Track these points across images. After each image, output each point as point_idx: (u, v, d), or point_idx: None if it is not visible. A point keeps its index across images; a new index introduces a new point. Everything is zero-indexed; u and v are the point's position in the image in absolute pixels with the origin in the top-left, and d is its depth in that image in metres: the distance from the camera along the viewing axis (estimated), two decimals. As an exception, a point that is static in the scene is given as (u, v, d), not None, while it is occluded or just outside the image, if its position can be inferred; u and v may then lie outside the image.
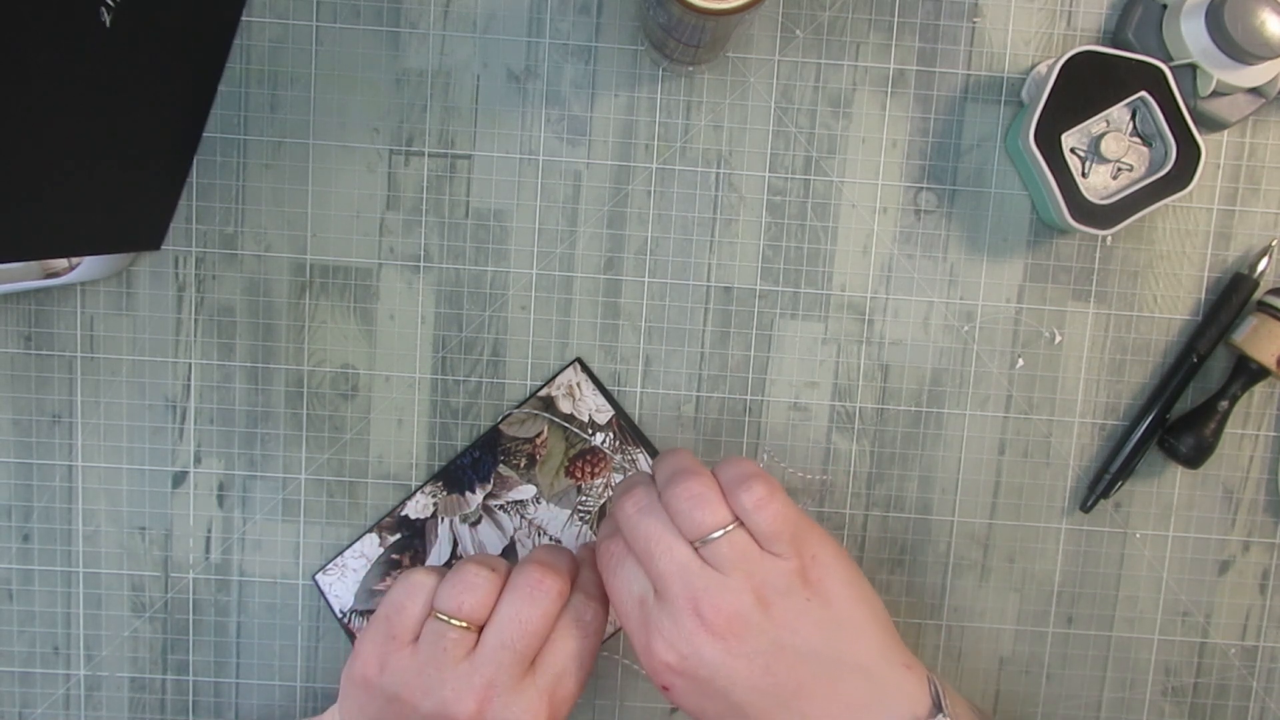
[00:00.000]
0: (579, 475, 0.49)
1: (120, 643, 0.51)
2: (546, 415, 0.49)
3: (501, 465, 0.49)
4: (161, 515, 0.50)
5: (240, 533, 0.51)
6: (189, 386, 0.50)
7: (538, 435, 0.49)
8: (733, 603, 0.39)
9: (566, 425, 0.49)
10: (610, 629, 0.50)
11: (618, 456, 0.49)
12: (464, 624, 0.41)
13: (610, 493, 0.49)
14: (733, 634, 0.38)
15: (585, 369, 0.49)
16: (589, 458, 0.49)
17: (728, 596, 0.39)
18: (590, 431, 0.49)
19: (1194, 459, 0.49)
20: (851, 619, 0.40)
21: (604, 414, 0.49)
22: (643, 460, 0.49)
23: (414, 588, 0.43)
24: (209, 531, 0.51)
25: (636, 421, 0.50)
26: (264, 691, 0.51)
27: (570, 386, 0.49)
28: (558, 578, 0.42)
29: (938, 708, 0.39)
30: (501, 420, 0.49)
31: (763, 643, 0.39)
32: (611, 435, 0.49)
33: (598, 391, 0.49)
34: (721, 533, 0.39)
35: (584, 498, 0.50)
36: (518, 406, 0.49)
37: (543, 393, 0.49)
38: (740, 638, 0.38)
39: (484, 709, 0.40)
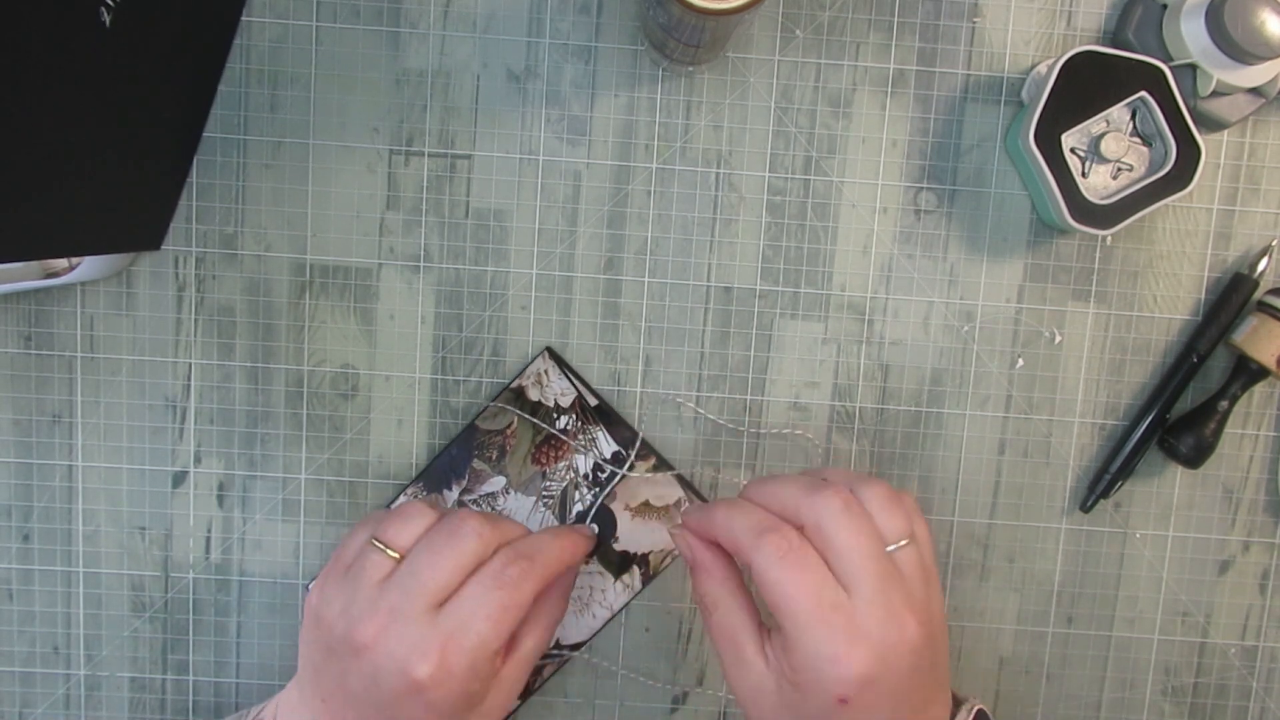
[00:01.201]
0: (543, 461, 0.50)
1: (120, 643, 0.51)
2: (512, 409, 0.49)
3: (475, 460, 0.50)
4: (161, 515, 0.50)
5: (240, 533, 0.51)
6: (189, 386, 0.50)
7: (508, 426, 0.49)
8: (919, 603, 0.39)
9: (531, 416, 0.49)
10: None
11: (579, 436, 0.49)
12: (393, 553, 0.41)
13: (571, 474, 0.49)
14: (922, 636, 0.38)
15: (554, 356, 0.49)
16: (552, 442, 0.50)
17: (917, 598, 0.38)
18: (555, 415, 0.49)
19: (1194, 459, 0.49)
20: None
21: (567, 397, 0.49)
22: (601, 437, 0.49)
23: (365, 521, 0.44)
24: (209, 531, 0.51)
25: (637, 421, 0.50)
26: (264, 691, 0.51)
27: (539, 375, 0.49)
28: (484, 523, 0.41)
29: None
30: (477, 417, 0.49)
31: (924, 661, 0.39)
32: (574, 417, 0.49)
33: (563, 375, 0.49)
34: (906, 542, 0.39)
35: (548, 483, 0.50)
36: (492, 400, 0.49)
37: (514, 384, 0.49)
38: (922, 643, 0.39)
39: (380, 635, 0.39)
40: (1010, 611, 0.52)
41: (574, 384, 0.49)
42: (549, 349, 0.49)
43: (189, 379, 0.50)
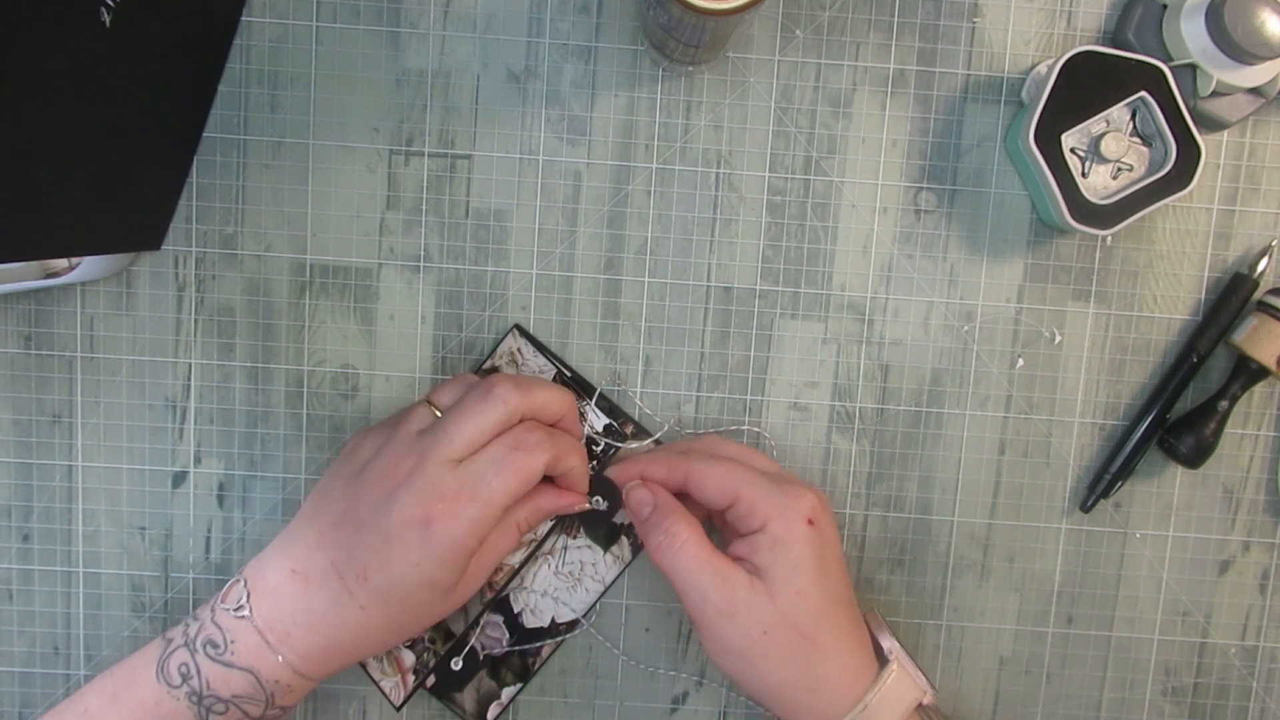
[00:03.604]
0: None
1: (120, 643, 0.51)
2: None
3: None
4: (161, 515, 0.50)
5: (240, 533, 0.51)
6: (189, 386, 0.50)
7: None
8: None
9: None
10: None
11: None
12: (438, 412, 0.45)
13: None
14: None
15: (524, 334, 0.49)
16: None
17: None
18: None
19: (1194, 459, 0.49)
20: None
21: (547, 374, 0.49)
22: (590, 411, 0.49)
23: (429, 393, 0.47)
24: (209, 531, 0.51)
25: (636, 417, 0.50)
26: (264, 691, 0.51)
27: (512, 353, 0.49)
28: (512, 389, 0.44)
29: None
30: None
31: None
32: None
33: (539, 353, 0.49)
34: None
35: None
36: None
37: (486, 365, 0.49)
38: None
39: (407, 474, 0.42)
40: (1010, 611, 0.52)
41: (549, 360, 0.49)
42: (518, 326, 0.49)
43: (189, 379, 0.50)
